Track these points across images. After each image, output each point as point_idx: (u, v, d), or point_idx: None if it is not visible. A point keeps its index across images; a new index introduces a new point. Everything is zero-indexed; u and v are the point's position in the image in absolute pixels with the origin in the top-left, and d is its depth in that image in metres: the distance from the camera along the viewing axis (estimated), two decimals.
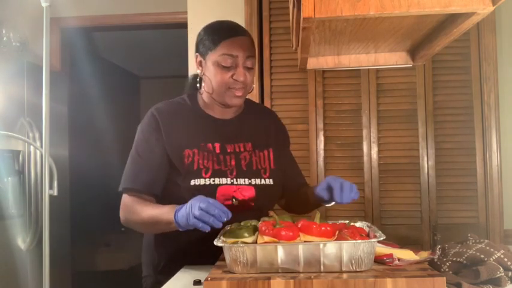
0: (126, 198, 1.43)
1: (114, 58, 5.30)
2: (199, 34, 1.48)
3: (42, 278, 2.03)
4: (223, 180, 1.40)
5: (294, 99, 2.48)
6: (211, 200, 1.19)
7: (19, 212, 2.82)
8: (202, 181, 1.39)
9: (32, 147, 2.86)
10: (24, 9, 3.29)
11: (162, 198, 1.43)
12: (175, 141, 1.42)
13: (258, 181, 1.45)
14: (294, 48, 1.73)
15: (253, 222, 1.20)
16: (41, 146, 2.07)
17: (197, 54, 1.47)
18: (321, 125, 2.47)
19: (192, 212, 1.18)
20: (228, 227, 1.21)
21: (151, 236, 1.53)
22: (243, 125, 1.52)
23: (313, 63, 1.69)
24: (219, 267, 1.11)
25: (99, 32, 4.20)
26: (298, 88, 2.50)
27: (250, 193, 1.43)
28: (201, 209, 1.16)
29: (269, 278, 0.99)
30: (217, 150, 1.44)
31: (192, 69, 2.66)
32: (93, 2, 3.45)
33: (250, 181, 1.44)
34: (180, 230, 1.24)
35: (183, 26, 2.77)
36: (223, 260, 1.11)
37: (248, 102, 1.59)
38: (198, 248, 1.36)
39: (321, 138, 2.47)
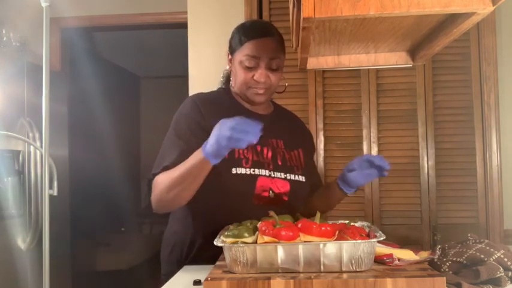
0: (157, 177, 1.38)
1: (114, 58, 5.31)
2: (232, 32, 1.52)
3: (42, 278, 2.03)
4: (262, 172, 1.42)
5: (294, 99, 2.48)
6: (238, 118, 1.16)
7: (19, 212, 2.82)
8: (243, 170, 1.39)
9: (32, 147, 2.87)
10: (24, 9, 3.29)
11: (202, 188, 1.38)
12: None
13: (292, 176, 1.47)
14: (294, 48, 1.72)
15: (254, 223, 1.20)
16: (41, 146, 2.07)
17: (228, 51, 1.52)
18: (321, 125, 2.47)
19: (222, 134, 1.15)
20: (228, 227, 1.21)
21: (171, 233, 1.53)
22: (275, 122, 1.55)
23: (313, 63, 1.69)
24: (219, 267, 1.11)
25: (99, 32, 4.20)
26: (298, 88, 2.50)
27: (285, 187, 1.45)
28: (231, 128, 1.13)
29: (269, 278, 0.99)
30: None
31: (193, 69, 2.67)
32: (93, 2, 3.45)
33: (285, 175, 1.46)
34: (213, 163, 1.22)
35: (183, 26, 2.77)
36: (223, 260, 1.11)
37: (277, 106, 1.63)
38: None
39: (321, 138, 2.47)
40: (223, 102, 1.52)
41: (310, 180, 1.55)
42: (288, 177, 1.46)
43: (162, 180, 1.35)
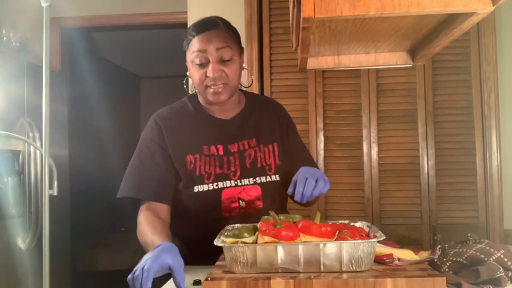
0: (139, 215, 1.38)
1: (114, 58, 5.30)
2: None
3: (42, 278, 2.03)
4: (227, 183, 1.39)
5: (294, 99, 2.48)
6: (147, 267, 1.02)
7: (19, 212, 2.82)
8: (205, 187, 1.38)
9: (32, 147, 2.87)
10: (24, 9, 3.29)
11: (174, 207, 1.41)
12: (178, 147, 1.41)
13: (263, 179, 1.43)
14: (294, 48, 1.73)
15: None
16: (41, 146, 2.07)
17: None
18: (321, 125, 2.47)
19: (136, 267, 1.06)
20: (228, 227, 1.21)
21: None
22: (246, 122, 1.50)
23: (313, 63, 1.69)
24: (219, 267, 1.11)
25: (99, 32, 4.20)
26: (298, 88, 2.50)
27: (256, 192, 1.41)
28: (134, 272, 1.03)
29: (269, 278, 0.99)
30: (221, 152, 1.42)
31: None
32: (93, 2, 3.45)
33: (254, 180, 1.42)
34: None
35: (183, 26, 2.77)
36: (223, 260, 1.11)
37: (249, 96, 1.56)
38: (210, 247, 1.29)
39: (321, 138, 2.47)
40: (186, 114, 1.47)
41: (290, 176, 1.46)
42: (258, 181, 1.42)
43: (139, 231, 1.36)
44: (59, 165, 2.71)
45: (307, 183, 1.27)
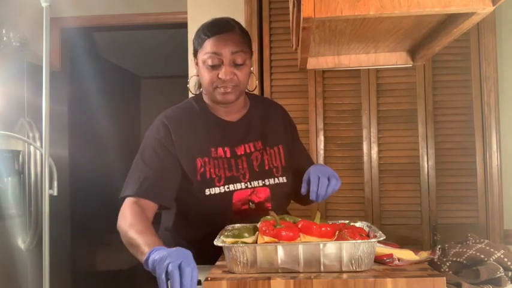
0: (124, 205, 1.33)
1: (114, 58, 5.30)
2: (195, 33, 1.47)
3: (42, 278, 2.03)
4: (238, 186, 1.40)
5: (294, 99, 2.48)
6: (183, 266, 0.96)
7: (19, 212, 2.82)
8: (217, 190, 1.38)
9: (32, 147, 2.87)
10: (24, 9, 3.29)
11: (178, 210, 1.41)
12: (186, 150, 1.40)
13: (271, 181, 1.44)
14: (294, 48, 1.73)
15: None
16: (41, 146, 2.07)
17: (193, 54, 1.48)
18: (321, 125, 2.47)
19: (164, 264, 0.97)
20: (228, 227, 1.21)
21: (167, 233, 1.52)
22: (251, 124, 1.50)
23: (313, 63, 1.69)
24: (219, 267, 1.11)
25: (99, 32, 4.20)
26: (298, 88, 2.50)
27: (265, 194, 1.43)
28: (176, 267, 0.95)
29: (269, 278, 0.99)
30: (228, 155, 1.42)
31: (193, 69, 2.67)
32: (93, 2, 3.45)
33: (264, 182, 1.43)
34: (146, 269, 1.07)
35: (183, 26, 2.77)
36: (224, 260, 1.11)
37: (252, 98, 1.57)
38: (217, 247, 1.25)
39: (321, 138, 2.47)
40: (193, 114, 1.47)
41: (295, 177, 1.49)
42: (267, 183, 1.43)
43: (123, 226, 1.28)
44: (59, 165, 2.71)
45: (321, 182, 1.28)
